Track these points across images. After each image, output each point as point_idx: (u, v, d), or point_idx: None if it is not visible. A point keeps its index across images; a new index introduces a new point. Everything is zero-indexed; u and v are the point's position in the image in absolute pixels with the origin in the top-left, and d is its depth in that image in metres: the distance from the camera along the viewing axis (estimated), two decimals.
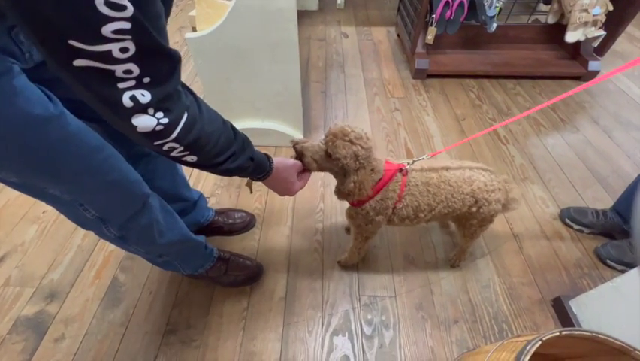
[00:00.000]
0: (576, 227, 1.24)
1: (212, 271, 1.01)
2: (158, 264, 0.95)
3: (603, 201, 1.34)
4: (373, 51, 2.32)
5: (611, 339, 0.54)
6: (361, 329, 0.99)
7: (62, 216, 0.68)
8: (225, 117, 0.59)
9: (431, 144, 1.60)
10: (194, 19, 1.24)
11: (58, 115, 0.50)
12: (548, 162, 1.52)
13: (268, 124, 1.50)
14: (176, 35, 2.38)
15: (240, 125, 1.50)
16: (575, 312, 0.97)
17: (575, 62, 2.00)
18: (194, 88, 0.54)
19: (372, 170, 0.78)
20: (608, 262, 1.14)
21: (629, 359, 0.54)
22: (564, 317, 0.99)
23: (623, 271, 1.16)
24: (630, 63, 0.46)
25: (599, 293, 0.90)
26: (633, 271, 0.81)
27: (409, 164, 0.85)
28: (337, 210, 1.31)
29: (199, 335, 0.97)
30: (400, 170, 0.84)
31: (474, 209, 0.86)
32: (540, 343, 0.53)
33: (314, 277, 1.11)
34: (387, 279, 1.10)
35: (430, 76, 2.03)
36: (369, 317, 1.02)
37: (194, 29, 1.22)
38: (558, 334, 0.54)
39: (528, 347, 0.53)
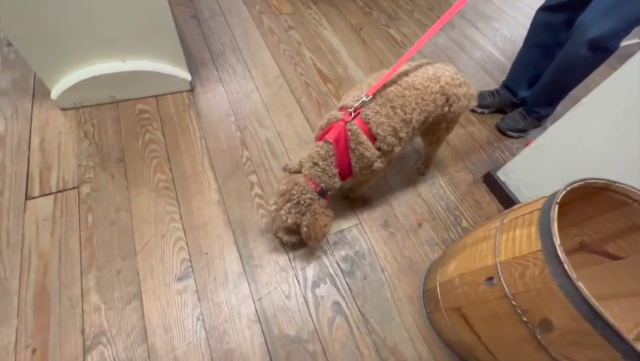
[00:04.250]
0: (479, 110, 1.38)
1: None
2: None
3: (488, 84, 1.51)
4: None
5: (621, 184, 0.56)
6: (340, 269, 0.89)
7: None
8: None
9: (340, 60, 1.46)
10: None
11: None
12: (440, 57, 1.60)
13: (134, 64, 1.06)
14: None
15: (88, 72, 1.00)
16: (503, 180, 1.10)
17: None
18: None
19: (319, 211, 0.75)
20: (508, 132, 1.31)
21: (609, 193, 0.59)
22: (495, 187, 1.11)
23: (519, 138, 1.38)
24: None
25: (523, 157, 1.02)
26: (551, 129, 0.92)
27: (352, 111, 0.73)
28: (267, 154, 1.09)
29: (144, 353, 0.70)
30: (346, 122, 0.72)
31: (446, 108, 0.79)
32: (557, 206, 0.51)
33: (270, 237, 0.92)
34: (347, 211, 1.01)
35: None
36: (343, 253, 0.92)
37: None
38: (583, 183, 0.53)
39: (552, 209, 0.50)
